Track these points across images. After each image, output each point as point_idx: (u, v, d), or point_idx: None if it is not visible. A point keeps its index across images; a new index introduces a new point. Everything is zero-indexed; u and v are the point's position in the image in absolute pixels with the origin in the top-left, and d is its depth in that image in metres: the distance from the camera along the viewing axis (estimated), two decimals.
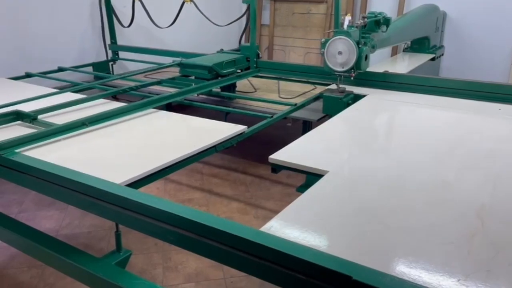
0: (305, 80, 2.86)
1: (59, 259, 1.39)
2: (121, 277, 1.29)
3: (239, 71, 2.88)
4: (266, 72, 2.99)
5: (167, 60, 3.71)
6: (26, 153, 1.53)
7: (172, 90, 2.46)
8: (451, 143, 1.67)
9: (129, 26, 3.59)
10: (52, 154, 1.53)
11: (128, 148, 1.66)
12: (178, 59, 2.82)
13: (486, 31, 3.92)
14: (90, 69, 3.32)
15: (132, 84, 2.60)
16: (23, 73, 2.92)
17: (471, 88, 2.29)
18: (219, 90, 2.73)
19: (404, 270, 0.93)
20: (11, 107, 2.01)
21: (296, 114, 2.38)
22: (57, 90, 2.34)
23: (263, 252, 0.94)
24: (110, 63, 3.57)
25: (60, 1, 3.29)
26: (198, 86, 2.51)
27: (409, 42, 3.82)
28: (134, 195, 1.19)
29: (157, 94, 2.35)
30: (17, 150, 1.53)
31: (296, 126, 2.83)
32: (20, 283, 2.03)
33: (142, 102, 2.05)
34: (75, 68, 3.20)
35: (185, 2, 3.40)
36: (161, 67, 3.09)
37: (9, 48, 3.04)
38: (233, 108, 2.62)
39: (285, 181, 2.97)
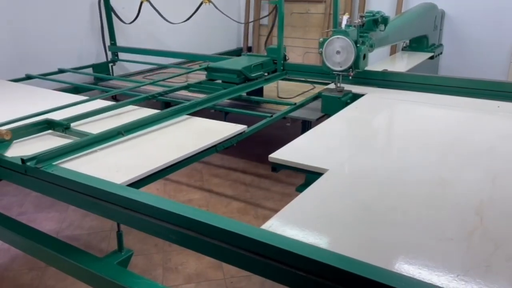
0: (304, 79, 2.87)
1: (61, 259, 1.40)
2: (123, 277, 1.29)
3: (266, 74, 2.80)
4: (293, 74, 2.89)
5: (167, 61, 3.72)
6: (64, 165, 1.46)
7: (194, 95, 2.42)
8: (450, 140, 1.68)
9: (131, 22, 3.59)
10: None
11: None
12: (205, 63, 2.74)
13: (484, 29, 3.92)
14: (90, 70, 3.33)
15: (160, 89, 2.52)
16: (23, 75, 2.93)
17: (470, 86, 2.29)
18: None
19: (404, 266, 0.94)
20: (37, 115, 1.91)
21: (295, 113, 2.38)
22: (87, 97, 2.26)
23: (264, 249, 0.95)
24: (110, 65, 3.57)
25: (60, 2, 3.29)
26: (228, 91, 2.43)
27: (407, 41, 3.83)
28: (136, 195, 1.20)
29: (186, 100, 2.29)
30: (54, 163, 1.46)
31: (295, 126, 2.83)
32: (21, 285, 2.03)
33: (175, 109, 2.00)
34: (75, 70, 3.20)
35: (204, 3, 3.38)
36: (188, 71, 2.96)
37: (9, 50, 3.05)
38: (233, 108, 2.61)
39: (285, 181, 2.98)
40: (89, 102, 2.18)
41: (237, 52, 4.94)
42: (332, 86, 2.46)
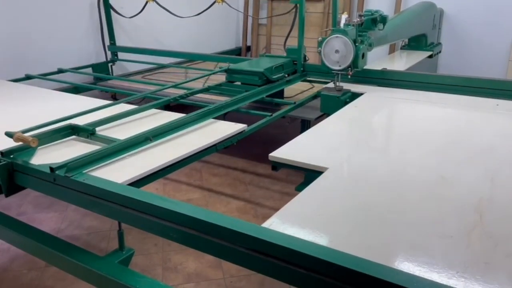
0: (302, 78, 2.87)
1: (62, 258, 1.39)
2: (124, 275, 1.29)
3: (286, 75, 2.71)
4: (313, 75, 2.81)
5: (167, 60, 3.72)
6: (93, 173, 1.39)
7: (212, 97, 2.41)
8: (449, 139, 1.69)
9: (131, 17, 3.59)
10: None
11: None
12: (225, 65, 2.62)
13: (483, 28, 3.93)
14: (89, 70, 3.33)
15: (181, 92, 2.46)
16: (22, 75, 2.92)
17: (469, 84, 2.30)
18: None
19: (404, 263, 0.94)
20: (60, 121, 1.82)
21: (294, 112, 2.39)
22: (111, 101, 2.18)
23: (265, 247, 0.95)
24: (110, 64, 3.57)
25: (59, 2, 3.29)
26: (251, 93, 2.36)
27: (406, 40, 3.83)
28: (137, 194, 1.20)
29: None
30: (84, 171, 1.39)
31: (294, 125, 2.84)
32: (20, 285, 2.03)
33: (201, 113, 1.95)
34: (75, 70, 3.20)
35: (217, 3, 3.36)
36: (207, 74, 2.92)
37: (8, 50, 3.04)
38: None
39: (284, 180, 2.98)
40: (113, 106, 2.09)
41: (236, 52, 4.95)
42: (331, 85, 2.47)
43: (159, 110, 2.11)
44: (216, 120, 1.98)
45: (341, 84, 2.36)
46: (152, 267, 2.14)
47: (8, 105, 2.28)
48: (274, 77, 2.57)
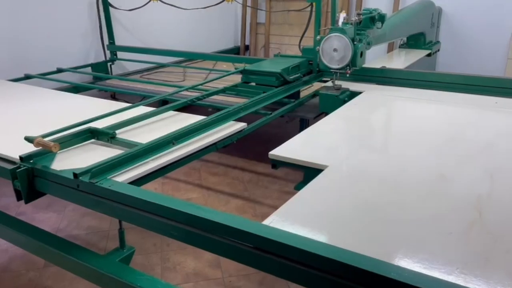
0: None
1: (63, 257, 1.39)
2: (125, 273, 1.29)
3: (301, 76, 2.65)
4: (329, 75, 2.66)
5: (166, 59, 3.72)
6: (116, 179, 1.34)
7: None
8: (449, 136, 1.69)
9: (131, 9, 3.58)
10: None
11: None
12: (240, 65, 2.55)
13: (481, 26, 3.93)
14: (89, 69, 3.32)
15: (197, 93, 2.41)
16: (21, 75, 2.92)
17: (468, 82, 2.31)
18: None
19: (404, 259, 0.95)
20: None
21: (293, 111, 2.39)
22: (130, 104, 2.12)
23: (265, 244, 0.96)
24: (109, 64, 3.57)
25: (58, 2, 3.29)
26: (270, 94, 2.30)
27: (405, 38, 3.83)
28: (138, 192, 1.21)
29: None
30: (109, 177, 1.34)
31: (293, 124, 2.84)
32: (19, 285, 2.03)
33: (221, 115, 1.90)
34: (74, 69, 3.20)
35: (226, 1, 3.33)
36: (224, 75, 2.85)
37: (7, 50, 3.04)
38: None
39: (283, 179, 2.98)
40: (131, 109, 2.04)
41: (234, 51, 4.95)
42: (329, 84, 2.47)
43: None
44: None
45: (340, 82, 2.37)
46: (151, 266, 2.14)
47: (8, 105, 2.28)
48: (290, 77, 2.51)
